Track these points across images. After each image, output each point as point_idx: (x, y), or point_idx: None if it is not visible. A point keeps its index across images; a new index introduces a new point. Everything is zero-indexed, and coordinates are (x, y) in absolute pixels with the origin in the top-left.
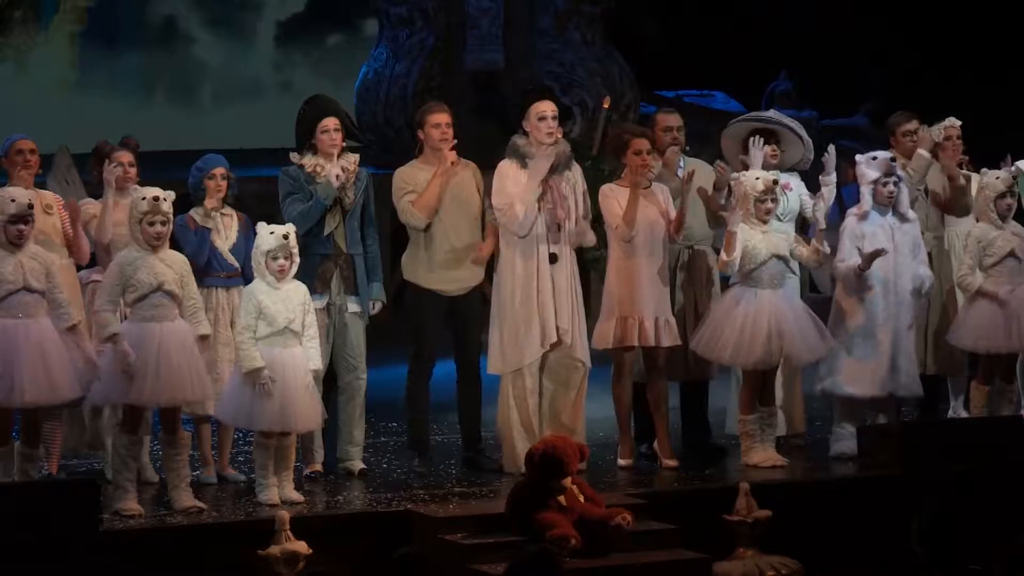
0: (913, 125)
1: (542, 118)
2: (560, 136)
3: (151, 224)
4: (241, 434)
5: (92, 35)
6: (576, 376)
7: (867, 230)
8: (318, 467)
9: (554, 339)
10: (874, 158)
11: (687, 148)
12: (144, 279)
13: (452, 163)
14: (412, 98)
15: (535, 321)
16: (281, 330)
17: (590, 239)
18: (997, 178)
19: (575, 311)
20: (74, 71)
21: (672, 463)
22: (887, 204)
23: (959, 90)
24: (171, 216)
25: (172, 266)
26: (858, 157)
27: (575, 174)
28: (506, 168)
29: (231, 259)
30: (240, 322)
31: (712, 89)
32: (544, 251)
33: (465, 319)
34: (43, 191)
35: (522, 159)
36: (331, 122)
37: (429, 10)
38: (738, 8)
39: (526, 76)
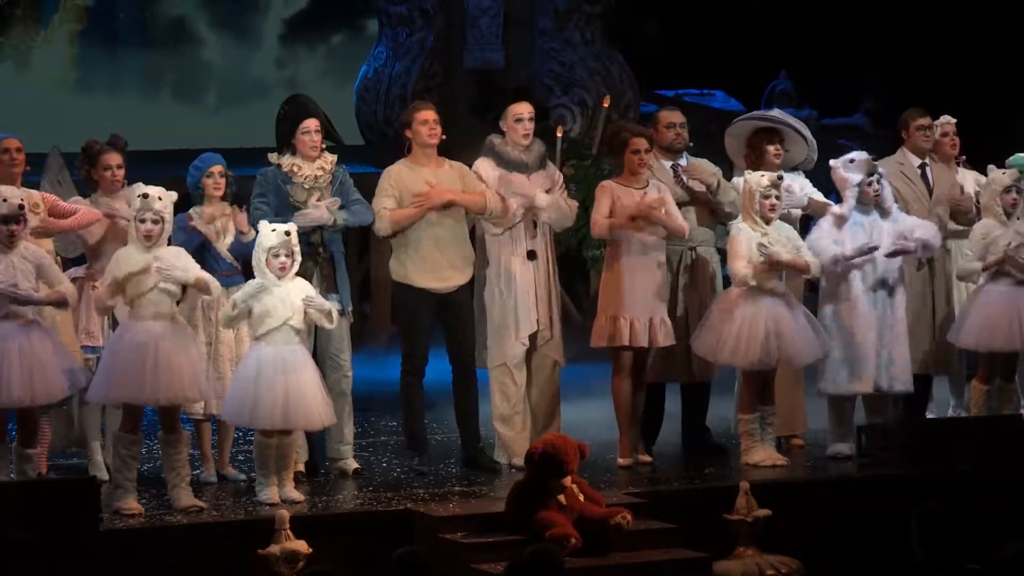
0: (927, 120)
1: (518, 120)
2: (561, 134)
3: (141, 222)
4: (241, 433)
5: (92, 34)
6: (551, 372)
7: (847, 233)
8: (300, 467)
9: (532, 329)
10: (851, 160)
11: (691, 144)
12: (140, 277)
13: (440, 205)
14: (412, 97)
15: (514, 317)
16: (280, 327)
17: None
18: (1003, 173)
19: (553, 308)
20: (74, 70)
21: (626, 462)
22: (873, 203)
23: (959, 89)
24: (165, 216)
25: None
26: (833, 163)
27: (548, 172)
28: (480, 166)
29: (229, 258)
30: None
31: (712, 89)
32: (523, 248)
33: (456, 318)
34: (31, 190)
35: (498, 157)
36: (312, 123)
37: (429, 9)
38: (738, 8)
39: (526, 76)
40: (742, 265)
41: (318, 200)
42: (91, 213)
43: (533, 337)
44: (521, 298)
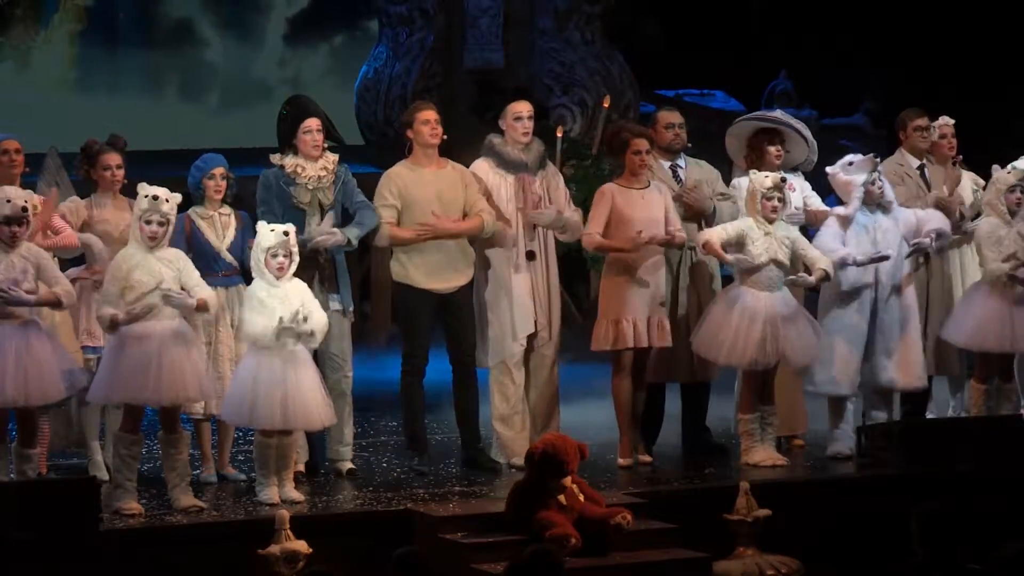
0: (924, 121)
1: (518, 118)
2: (561, 134)
3: (147, 223)
4: (241, 433)
5: (92, 34)
6: (550, 373)
7: (850, 234)
8: (300, 467)
9: (530, 330)
10: (851, 163)
11: (689, 145)
12: (142, 278)
13: (440, 235)
14: (412, 97)
15: (512, 318)
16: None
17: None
18: (1008, 172)
19: (552, 308)
20: (74, 70)
21: (626, 462)
22: (878, 201)
23: (959, 89)
24: (170, 218)
25: (170, 264)
26: (831, 169)
27: (548, 172)
28: (480, 167)
29: (229, 258)
30: (245, 316)
31: (712, 89)
32: (522, 249)
33: (456, 318)
34: (31, 193)
35: (497, 157)
36: (313, 123)
37: (429, 9)
38: (738, 8)
39: (526, 76)
40: (710, 230)
41: (319, 224)
42: (71, 238)
43: (532, 337)
44: (519, 299)
